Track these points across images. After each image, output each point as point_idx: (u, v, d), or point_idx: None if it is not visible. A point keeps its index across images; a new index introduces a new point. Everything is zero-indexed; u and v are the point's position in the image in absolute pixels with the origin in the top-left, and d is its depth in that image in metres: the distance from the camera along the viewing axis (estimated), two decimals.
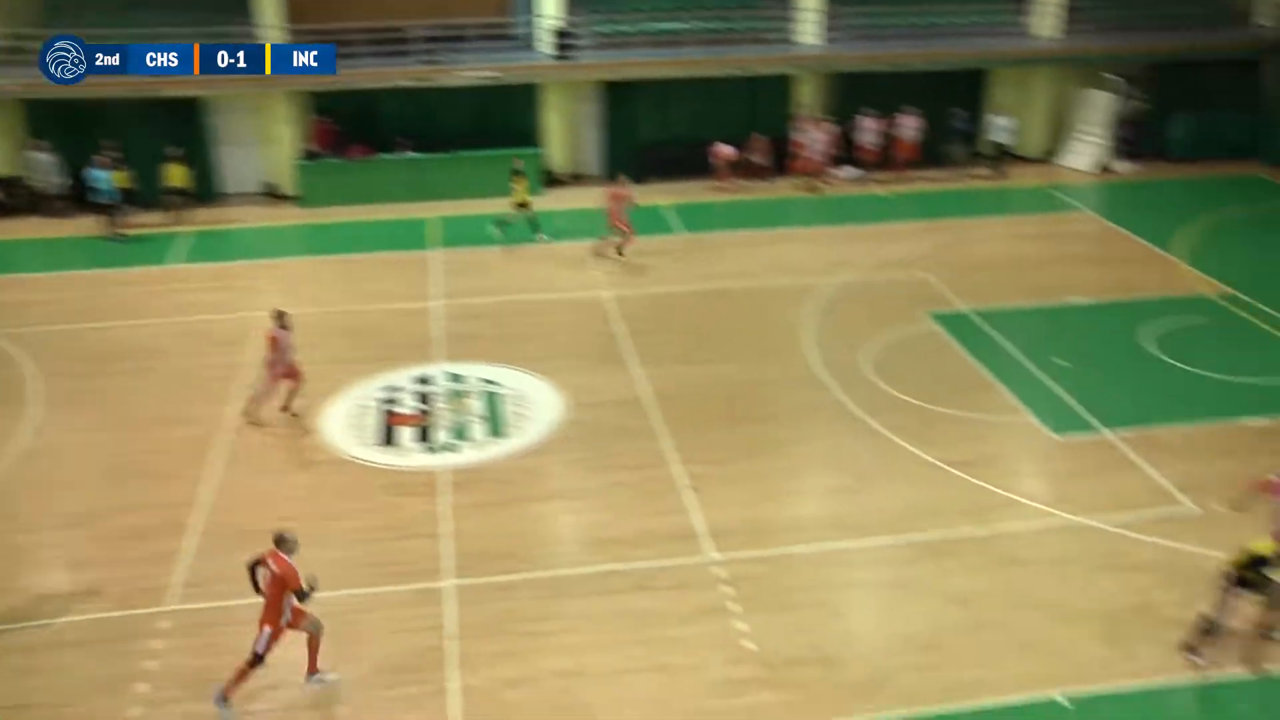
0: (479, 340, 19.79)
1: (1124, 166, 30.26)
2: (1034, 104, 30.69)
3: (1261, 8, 31.13)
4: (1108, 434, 16.48)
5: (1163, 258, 23.71)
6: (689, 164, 28.74)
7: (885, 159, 29.06)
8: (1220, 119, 30.74)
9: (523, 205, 24.49)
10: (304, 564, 11.09)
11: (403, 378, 18.36)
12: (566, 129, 28.78)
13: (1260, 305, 21.02)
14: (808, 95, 29.25)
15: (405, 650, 12.14)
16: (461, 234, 25.38)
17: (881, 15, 29.82)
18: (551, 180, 28.63)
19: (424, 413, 17.29)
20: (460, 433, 16.75)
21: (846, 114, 29.03)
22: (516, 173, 24.52)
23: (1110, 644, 12.20)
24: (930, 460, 15.81)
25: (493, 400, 17.67)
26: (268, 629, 10.99)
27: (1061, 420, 16.92)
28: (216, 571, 13.28)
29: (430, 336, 20.00)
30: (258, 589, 11.08)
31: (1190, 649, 11.96)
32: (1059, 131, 31.08)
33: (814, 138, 28.26)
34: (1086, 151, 30.35)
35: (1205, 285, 22.11)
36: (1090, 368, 18.65)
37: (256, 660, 11.00)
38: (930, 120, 29.10)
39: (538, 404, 17.52)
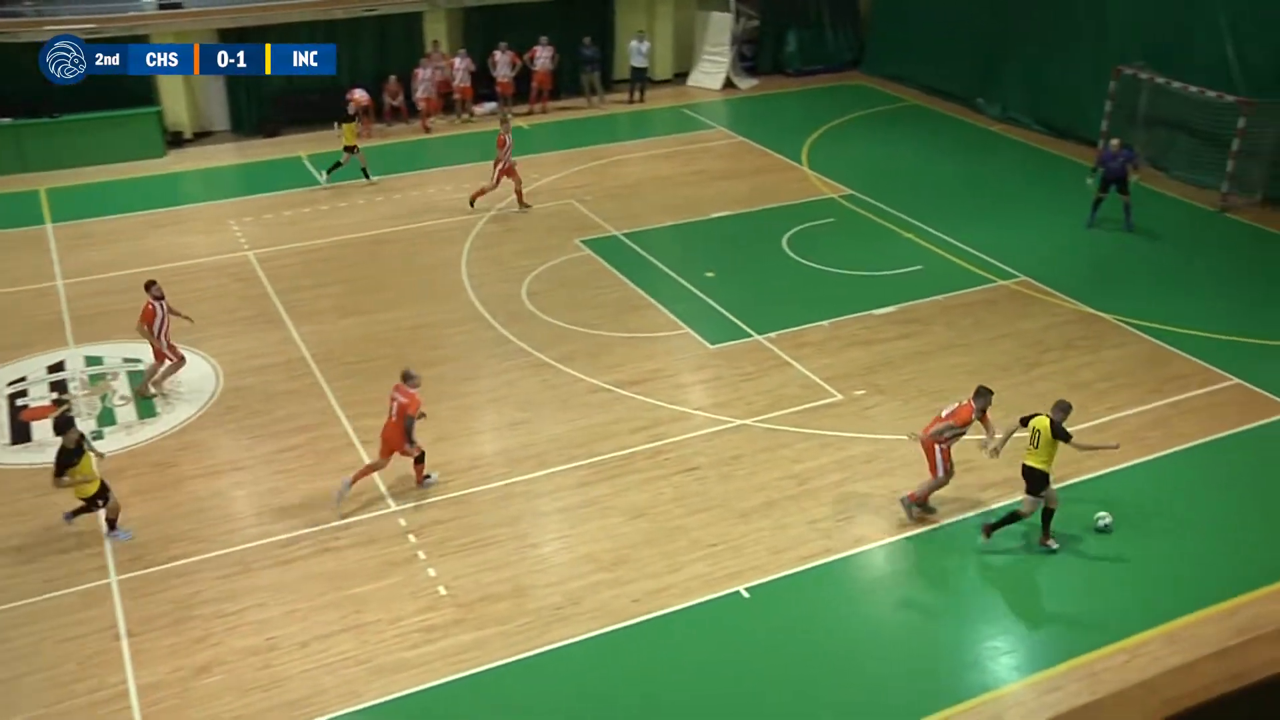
0: (116, 316, 18.32)
1: (747, 83, 31.90)
2: (660, 28, 31.65)
3: None
4: (760, 338, 17.51)
5: (791, 166, 25.26)
6: (325, 111, 27.65)
7: (522, 91, 29.12)
8: (825, 34, 32.99)
9: (351, 149, 23.71)
10: None
11: (31, 367, 16.80)
12: (185, 83, 26.86)
13: (876, 203, 22.89)
14: (440, 32, 28.75)
15: (75, 658, 11.28)
16: (81, 205, 23.34)
17: None
18: (175, 140, 26.81)
19: (59, 402, 15.91)
20: (106, 418, 15.57)
21: (481, 48, 28.81)
22: (348, 116, 24.01)
23: (778, 531, 13.10)
24: (598, 384, 16.25)
25: (139, 379, 16.51)
26: (404, 446, 13.46)
27: (717, 330, 17.81)
28: None
29: (59, 319, 18.39)
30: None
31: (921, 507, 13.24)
32: (686, 53, 32.27)
33: (443, 74, 27.92)
34: (713, 70, 31.73)
35: (829, 188, 23.80)
36: (738, 277, 19.72)
37: (421, 456, 13.79)
38: (566, 48, 29.44)
39: (191, 377, 16.53)
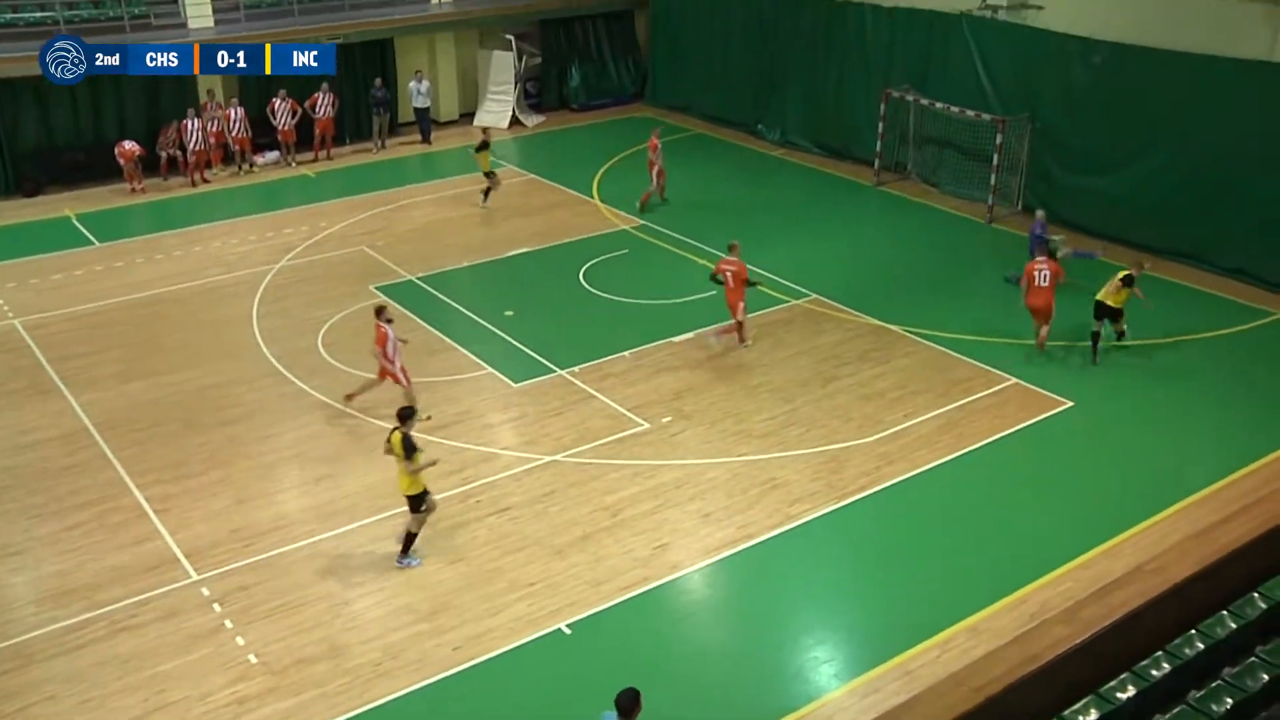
0: None
1: (533, 120, 32.06)
2: (443, 68, 31.50)
3: None
4: (563, 373, 17.51)
5: (582, 200, 25.47)
6: (91, 167, 26.37)
7: (305, 138, 28.41)
8: (608, 68, 33.54)
9: (489, 174, 24.64)
10: None
11: None
12: None
13: (668, 232, 23.31)
14: (215, 81, 27.74)
15: None
16: None
17: None
18: None
19: None
20: None
21: (259, 97, 27.99)
22: (484, 144, 24.85)
23: (596, 564, 13.10)
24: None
25: None
26: (740, 304, 17.81)
27: (520, 369, 17.72)
28: None
29: None
30: (720, 282, 17.90)
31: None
32: (470, 92, 32.21)
33: (218, 126, 27.03)
34: (498, 109, 31.75)
35: (621, 220, 24.09)
36: (538, 314, 19.70)
37: (740, 327, 17.99)
38: (347, 93, 28.95)
39: None
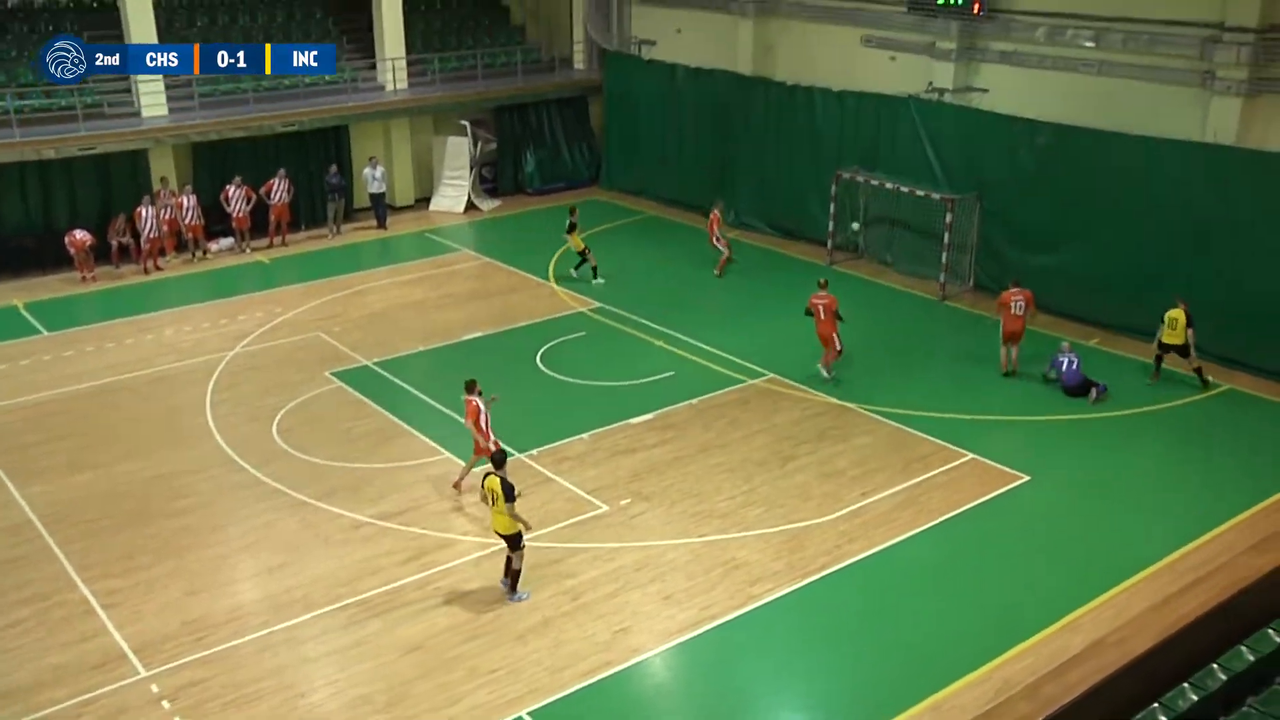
0: None
1: (488, 204, 32.25)
2: (398, 154, 31.69)
3: (578, 56, 34.99)
4: (521, 457, 17.40)
5: (538, 283, 25.55)
6: (40, 256, 26.12)
7: (259, 225, 28.37)
8: (562, 152, 33.93)
9: (581, 252, 25.36)
10: None
11: None
12: None
13: (624, 314, 23.40)
14: (168, 168, 27.74)
15: None
16: None
17: (229, 80, 29.03)
18: None
19: None
20: None
21: (214, 184, 27.96)
22: (572, 226, 25.29)
23: (556, 650, 12.92)
24: (360, 519, 15.73)
25: None
26: (834, 335, 19.38)
27: None
28: None
29: None
30: (811, 315, 19.52)
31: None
32: (426, 178, 32.41)
33: (171, 214, 26.87)
34: (453, 194, 31.93)
35: (578, 303, 24.18)
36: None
37: (839, 353, 19.54)
38: (302, 179, 29.03)
39: None
